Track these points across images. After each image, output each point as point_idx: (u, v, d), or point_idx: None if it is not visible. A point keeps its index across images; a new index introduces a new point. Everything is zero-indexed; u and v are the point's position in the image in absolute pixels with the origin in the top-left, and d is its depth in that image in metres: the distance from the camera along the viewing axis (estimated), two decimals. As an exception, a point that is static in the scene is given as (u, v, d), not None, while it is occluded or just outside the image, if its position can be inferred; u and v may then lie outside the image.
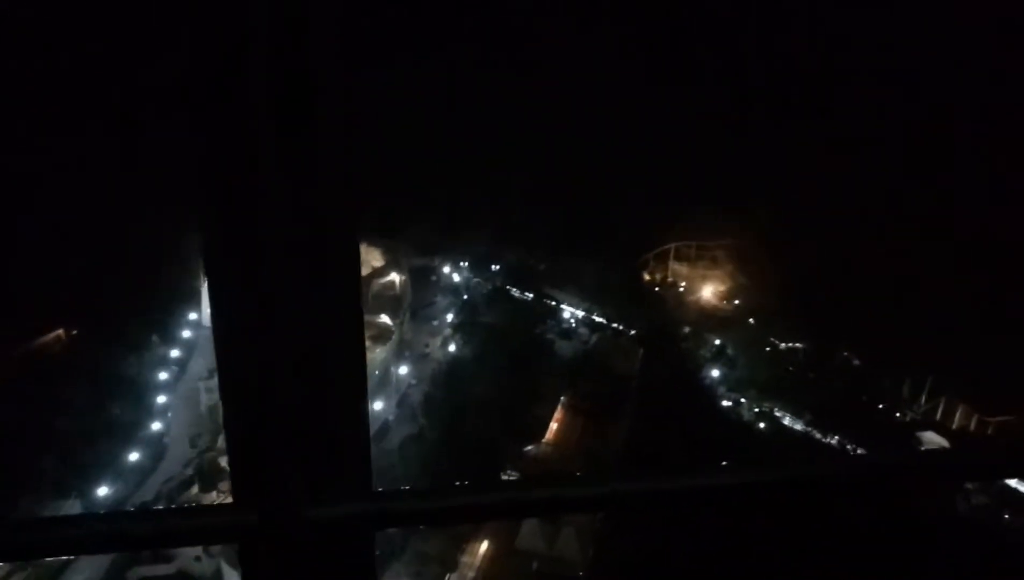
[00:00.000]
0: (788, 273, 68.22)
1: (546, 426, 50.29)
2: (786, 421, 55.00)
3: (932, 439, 55.22)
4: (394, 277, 61.88)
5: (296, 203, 1.68)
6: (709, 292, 73.07)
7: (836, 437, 52.75)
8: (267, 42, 1.55)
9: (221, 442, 46.61)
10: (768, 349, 64.31)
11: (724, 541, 39.32)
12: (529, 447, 48.48)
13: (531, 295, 63.50)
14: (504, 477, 46.73)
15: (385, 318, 57.52)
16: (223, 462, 44.66)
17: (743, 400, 56.99)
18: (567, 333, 61.34)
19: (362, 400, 1.88)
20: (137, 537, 1.88)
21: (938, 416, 59.86)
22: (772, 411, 55.80)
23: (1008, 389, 56.88)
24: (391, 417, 49.89)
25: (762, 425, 55.14)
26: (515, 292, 61.91)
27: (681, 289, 72.91)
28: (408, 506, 1.98)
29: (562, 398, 52.65)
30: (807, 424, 53.89)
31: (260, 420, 1.85)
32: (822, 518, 39.44)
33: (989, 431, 57.55)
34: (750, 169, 77.97)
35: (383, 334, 56.33)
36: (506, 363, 51.07)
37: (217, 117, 1.62)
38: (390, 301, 59.58)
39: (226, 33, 1.55)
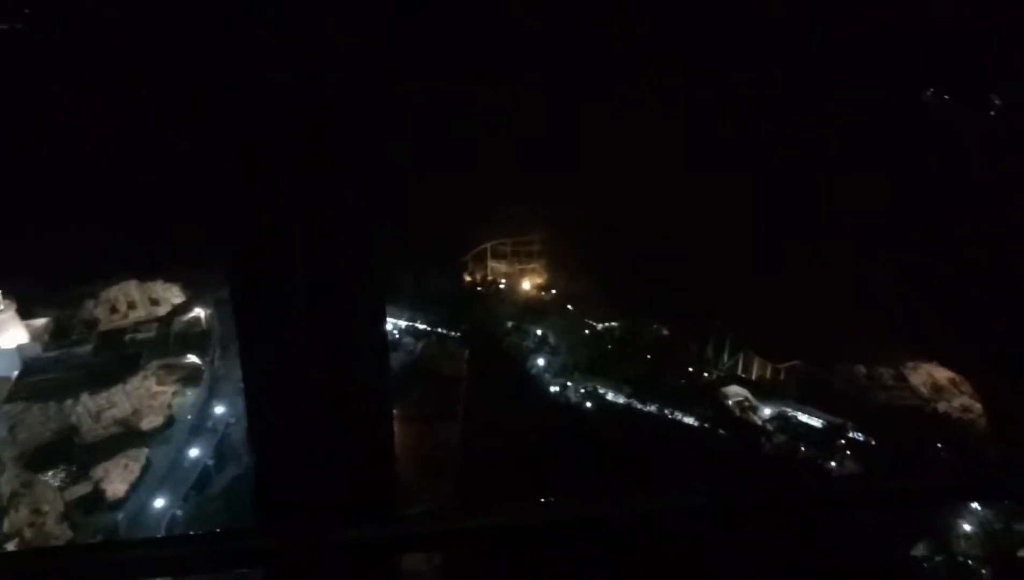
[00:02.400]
0: (598, 258, 72.35)
1: (380, 442, 49.19)
2: (609, 396, 58.07)
3: (736, 391, 60.93)
4: (199, 312, 57.68)
5: (314, 228, 1.67)
6: (528, 285, 75.42)
7: (655, 405, 56.50)
8: (285, 76, 1.55)
9: None
10: (587, 332, 67.55)
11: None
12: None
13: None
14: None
15: (193, 358, 53.50)
16: None
17: (569, 383, 59.39)
18: (391, 345, 60.46)
19: (383, 427, 2.02)
20: (161, 563, 1.83)
21: (739, 370, 66.10)
22: (596, 389, 58.66)
23: (791, 337, 64.28)
24: (210, 462, 46.36)
25: (588, 404, 57.78)
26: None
27: (501, 286, 74.56)
28: (430, 528, 2.01)
29: (393, 411, 51.69)
30: (628, 396, 57.27)
31: (284, 448, 1.91)
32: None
33: (781, 376, 64.46)
34: (553, 163, 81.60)
35: (193, 375, 52.33)
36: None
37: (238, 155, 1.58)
38: (197, 338, 55.49)
39: (244, 79, 1.54)
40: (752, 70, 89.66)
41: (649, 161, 79.87)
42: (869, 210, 76.76)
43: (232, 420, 48.97)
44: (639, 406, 56.32)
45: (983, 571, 41.66)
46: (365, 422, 2.05)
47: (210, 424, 48.82)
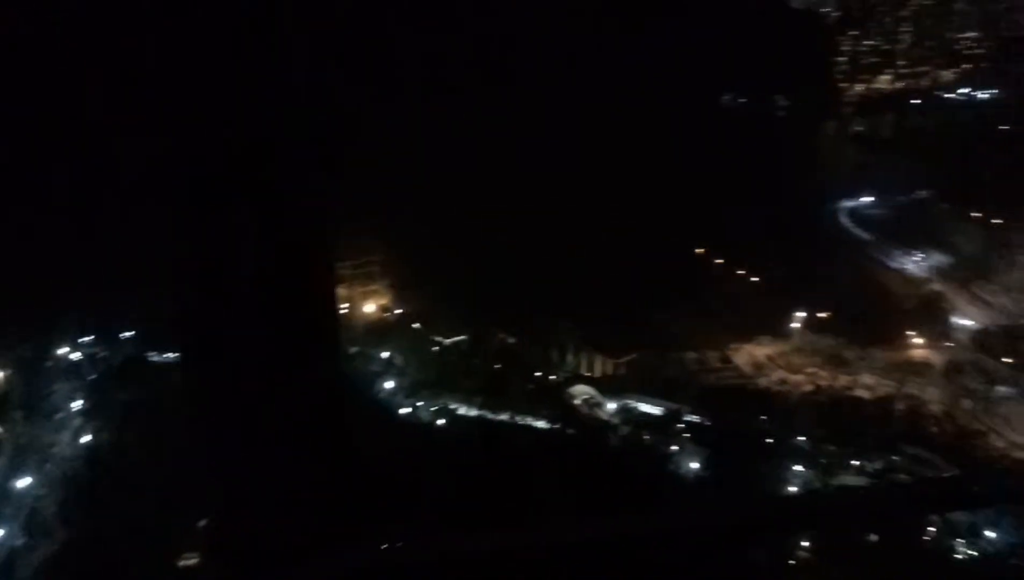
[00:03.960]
0: (440, 273, 72.26)
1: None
2: (460, 411, 58.08)
3: (582, 390, 63.20)
4: (-7, 374, 51.17)
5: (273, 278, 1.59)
6: (370, 308, 73.85)
7: (506, 413, 57.18)
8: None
9: None
10: (435, 348, 67.19)
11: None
12: (203, 521, 43.84)
13: (173, 356, 57.40)
14: (182, 563, 41.51)
15: (-11, 426, 47.30)
16: None
17: (419, 403, 58.75)
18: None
19: (353, 459, 1.85)
20: None
21: (583, 369, 68.53)
22: (447, 405, 58.48)
23: (629, 332, 67.69)
24: (19, 542, 41.03)
25: (441, 421, 57.45)
26: (155, 357, 55.38)
27: (344, 310, 72.42)
28: (414, 556, 1.87)
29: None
30: (479, 407, 57.56)
31: (244, 479, 1.76)
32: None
33: (622, 370, 67.57)
34: (385, 182, 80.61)
35: (-11, 446, 46.25)
36: (155, 437, 45.32)
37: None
38: (-8, 404, 49.14)
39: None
40: (553, 72, 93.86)
41: (477, 170, 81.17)
42: (694, 205, 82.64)
43: (43, 491, 43.73)
44: (491, 416, 56.76)
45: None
46: (329, 455, 1.81)
47: (15, 500, 43.25)
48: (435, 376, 61.99)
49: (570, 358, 68.90)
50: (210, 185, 1.88)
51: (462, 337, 68.61)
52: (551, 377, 65.64)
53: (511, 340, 69.32)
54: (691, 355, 68.78)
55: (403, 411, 58.12)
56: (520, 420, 56.44)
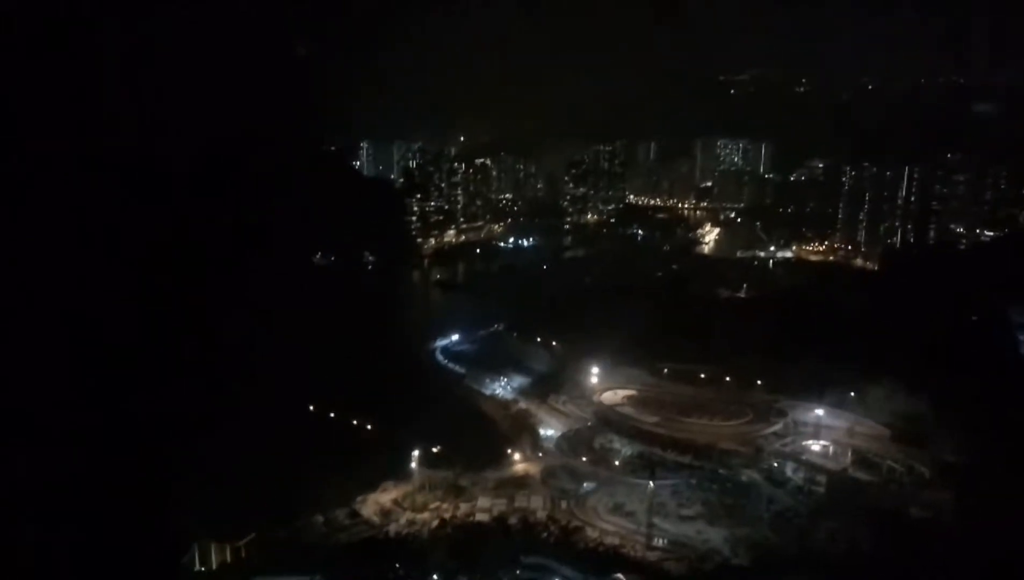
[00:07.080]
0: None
1: None
2: None
3: (198, 590, 54.74)
4: None
5: None
6: None
7: None
8: None
9: None
10: None
11: None
12: None
13: None
14: None
15: None
16: None
17: None
18: None
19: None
20: None
21: (198, 563, 59.79)
22: None
23: (244, 512, 61.53)
24: None
25: None
26: None
27: None
28: None
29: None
30: None
31: None
32: None
33: (243, 554, 60.78)
34: None
35: None
36: None
37: None
38: None
39: None
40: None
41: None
42: (298, 363, 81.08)
43: None
44: None
45: None
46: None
47: None
48: None
49: (181, 553, 59.65)
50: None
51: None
52: (158, 583, 55.62)
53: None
54: (318, 518, 65.52)
55: None
56: None
